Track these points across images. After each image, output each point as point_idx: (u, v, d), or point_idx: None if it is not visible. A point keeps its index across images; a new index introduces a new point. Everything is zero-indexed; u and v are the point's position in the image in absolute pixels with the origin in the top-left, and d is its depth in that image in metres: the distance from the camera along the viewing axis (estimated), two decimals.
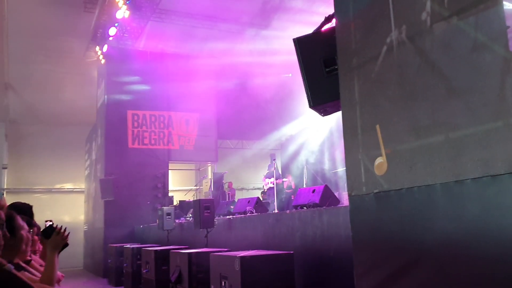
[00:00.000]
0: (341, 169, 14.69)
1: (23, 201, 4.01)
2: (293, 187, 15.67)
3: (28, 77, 19.62)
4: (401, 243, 3.32)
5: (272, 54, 17.21)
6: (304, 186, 15.51)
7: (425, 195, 3.10)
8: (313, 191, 7.66)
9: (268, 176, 16.08)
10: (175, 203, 16.95)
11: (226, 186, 17.44)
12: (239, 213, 9.89)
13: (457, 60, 2.91)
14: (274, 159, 14.89)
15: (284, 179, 16.07)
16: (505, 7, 2.62)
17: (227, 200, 15.76)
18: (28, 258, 3.41)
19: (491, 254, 2.65)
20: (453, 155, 2.89)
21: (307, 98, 4.55)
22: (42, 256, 3.84)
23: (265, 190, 16.07)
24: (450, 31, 2.96)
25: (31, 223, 3.63)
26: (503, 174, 2.57)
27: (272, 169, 14.82)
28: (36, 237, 3.90)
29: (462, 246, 2.83)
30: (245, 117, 18.57)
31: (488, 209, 2.68)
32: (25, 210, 3.83)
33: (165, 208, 12.05)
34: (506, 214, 2.57)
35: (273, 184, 14.33)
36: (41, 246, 4.08)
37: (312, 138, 17.93)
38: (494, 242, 2.63)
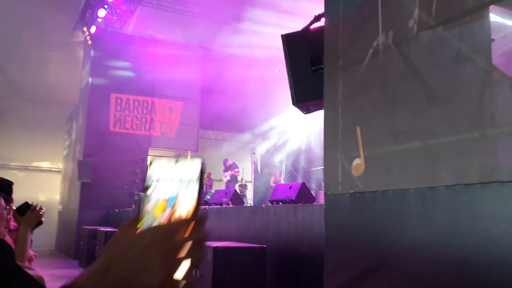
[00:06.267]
0: (319, 168, 14.78)
1: None
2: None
3: (12, 51, 19.30)
4: (372, 244, 3.37)
5: (260, 49, 17.22)
6: (282, 182, 15.57)
7: (399, 199, 3.16)
8: (290, 187, 7.70)
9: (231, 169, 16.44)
10: None
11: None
12: (216, 204, 9.90)
13: (440, 69, 2.96)
14: (254, 153, 14.95)
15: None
16: (491, 20, 2.66)
17: (204, 190, 15.75)
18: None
19: (458, 260, 2.71)
20: (429, 162, 2.95)
21: (291, 95, 4.58)
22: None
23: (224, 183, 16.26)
24: (435, 40, 3.01)
25: (8, 200, 3.58)
26: (475, 183, 2.63)
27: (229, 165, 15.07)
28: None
29: (430, 251, 2.89)
30: (228, 109, 18.53)
31: (458, 217, 2.74)
32: (4, 186, 3.77)
33: (142, 193, 12.00)
34: (475, 223, 2.63)
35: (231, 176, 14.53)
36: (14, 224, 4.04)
37: (293, 135, 18.00)
38: (462, 249, 2.70)
